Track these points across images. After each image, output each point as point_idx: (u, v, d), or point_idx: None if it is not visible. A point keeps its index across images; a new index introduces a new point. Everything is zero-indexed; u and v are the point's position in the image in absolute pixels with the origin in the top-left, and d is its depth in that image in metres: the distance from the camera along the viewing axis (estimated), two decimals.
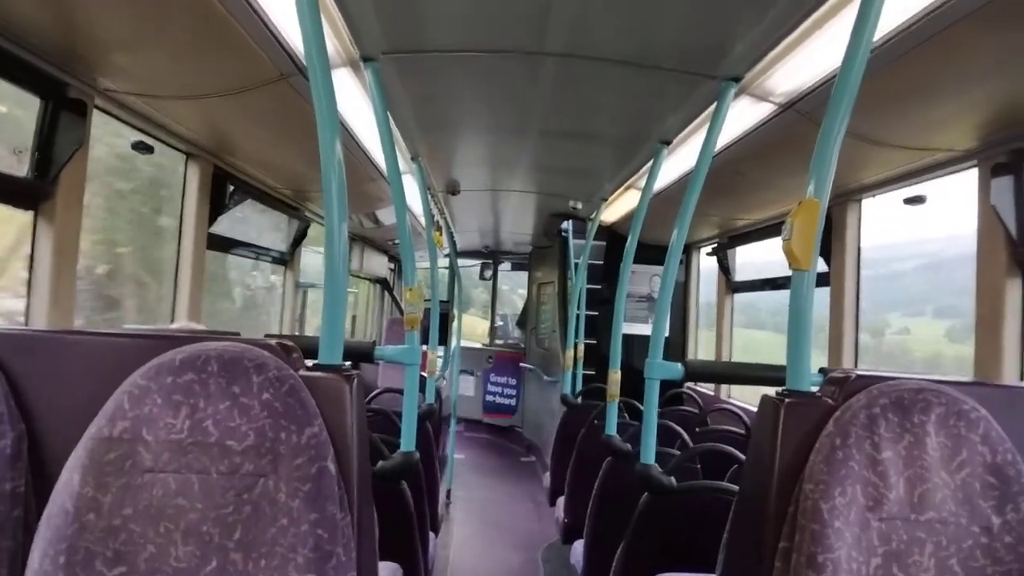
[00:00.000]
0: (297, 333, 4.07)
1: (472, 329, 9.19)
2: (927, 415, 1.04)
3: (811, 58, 1.65)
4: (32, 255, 1.82)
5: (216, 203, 2.68)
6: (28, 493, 1.06)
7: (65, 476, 0.96)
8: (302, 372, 1.09)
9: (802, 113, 1.89)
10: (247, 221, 3.28)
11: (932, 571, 1.00)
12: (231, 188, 2.77)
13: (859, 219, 2.73)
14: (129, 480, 0.97)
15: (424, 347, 3.29)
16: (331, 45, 1.73)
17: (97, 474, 0.96)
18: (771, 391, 1.20)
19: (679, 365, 1.92)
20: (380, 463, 1.88)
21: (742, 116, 2.06)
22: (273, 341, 1.10)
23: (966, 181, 2.09)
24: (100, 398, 1.02)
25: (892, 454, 1.03)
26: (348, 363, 1.24)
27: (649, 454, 1.95)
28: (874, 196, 2.64)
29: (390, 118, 2.03)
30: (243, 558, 0.95)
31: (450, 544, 4.05)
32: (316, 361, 1.18)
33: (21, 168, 1.80)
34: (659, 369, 1.95)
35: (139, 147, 2.31)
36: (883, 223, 2.71)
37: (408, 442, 1.92)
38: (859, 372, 1.12)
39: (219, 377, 1.01)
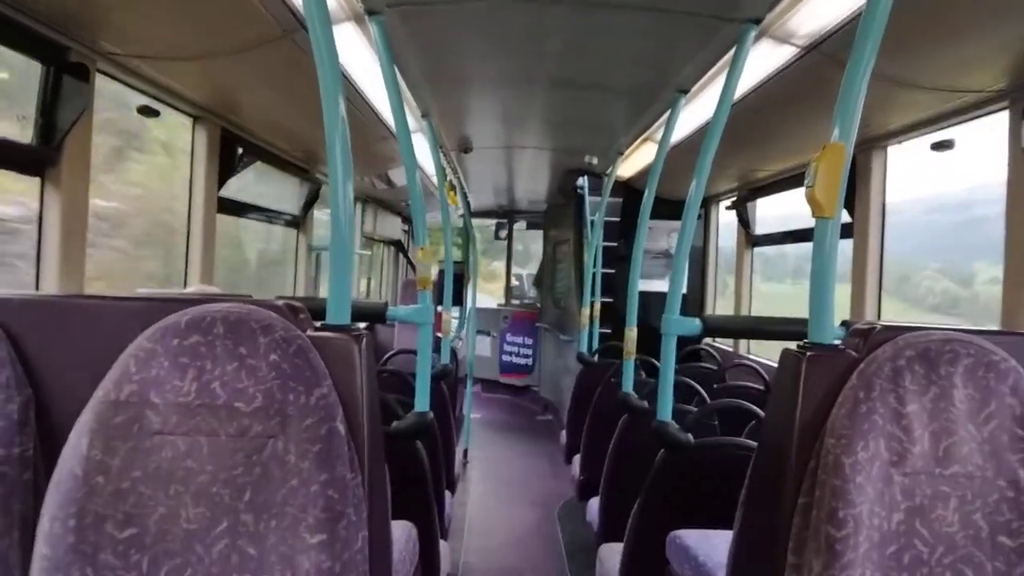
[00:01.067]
0: (312, 295, 4.08)
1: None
2: (955, 366, 1.01)
3: None
4: (40, 222, 1.82)
5: (225, 166, 2.66)
6: (37, 457, 1.06)
7: (73, 440, 0.96)
8: (310, 332, 1.07)
9: (826, 55, 1.81)
10: (257, 183, 3.26)
11: (956, 526, 0.98)
12: (240, 151, 2.74)
13: (884, 167, 2.64)
14: (137, 443, 0.96)
15: (439, 308, 3.29)
16: None
17: (105, 437, 0.96)
18: (792, 345, 1.16)
19: (697, 320, 1.88)
20: (394, 423, 1.89)
21: (763, 61, 1.98)
22: (280, 302, 1.08)
23: None
24: (107, 362, 1.01)
25: (917, 407, 1.00)
26: (362, 324, 1.21)
27: (666, 411, 1.94)
28: (900, 142, 2.54)
29: (398, 74, 1.97)
30: (254, 519, 0.95)
31: (467, 502, 4.11)
32: (324, 322, 1.17)
33: (26, 135, 1.79)
34: (676, 325, 1.91)
35: (145, 111, 2.28)
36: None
37: (422, 402, 1.92)
38: (884, 323, 1.08)
39: (225, 339, 1.00)
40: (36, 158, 1.79)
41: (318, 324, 1.14)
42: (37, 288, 1.81)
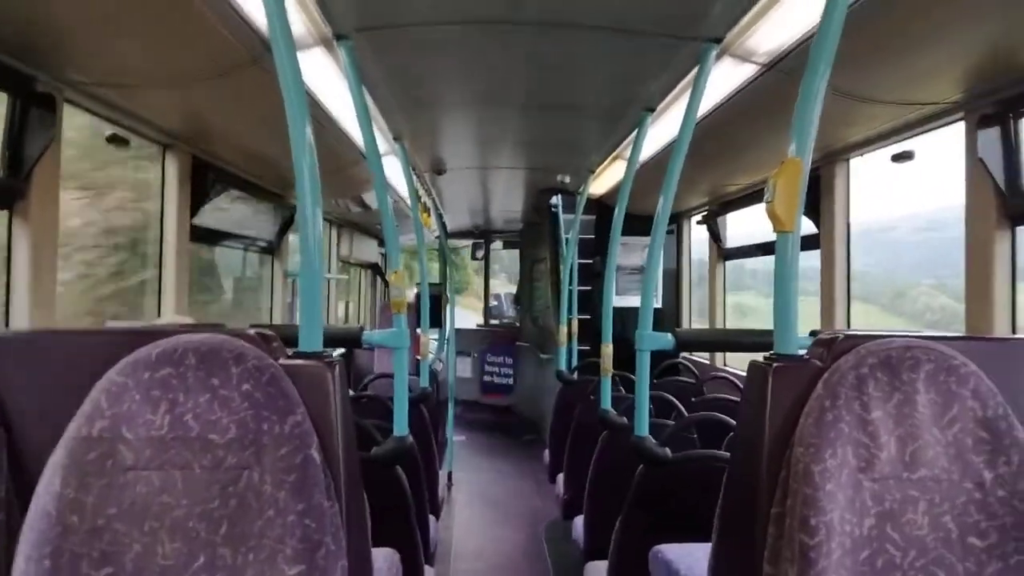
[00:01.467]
0: (288, 322, 4.05)
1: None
2: (916, 372, 1.03)
3: (791, 15, 1.61)
4: (9, 255, 1.79)
5: (198, 194, 2.64)
6: (10, 497, 1.04)
7: (46, 478, 0.95)
8: (282, 361, 1.07)
9: (785, 72, 1.86)
10: (231, 211, 3.24)
11: (926, 529, 0.99)
12: (212, 178, 2.72)
13: (847, 179, 2.71)
14: (111, 479, 0.95)
15: (417, 330, 3.28)
16: (302, 24, 1.69)
17: (78, 475, 0.94)
18: (759, 357, 1.18)
19: (669, 335, 1.90)
20: (373, 449, 1.87)
21: (725, 79, 2.03)
22: (252, 331, 1.08)
23: None
24: (79, 397, 1.00)
25: (882, 413, 1.02)
26: (337, 350, 1.21)
27: (643, 426, 1.95)
28: (861, 155, 2.61)
29: (368, 97, 1.98)
30: (231, 552, 0.94)
31: (452, 526, 4.07)
32: (297, 349, 1.16)
33: None
34: (649, 340, 1.93)
35: (114, 140, 2.26)
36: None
37: (400, 426, 1.91)
38: (847, 332, 1.11)
39: (197, 370, 0.99)
40: (3, 190, 1.76)
41: (291, 352, 1.14)
42: (7, 323, 1.77)
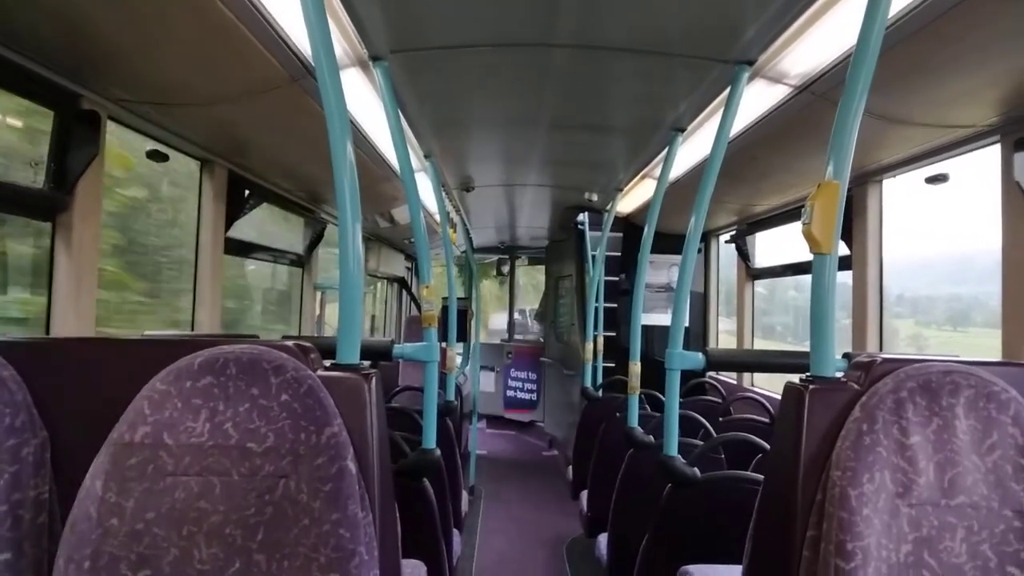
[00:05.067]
0: (316, 334, 4.09)
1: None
2: (956, 398, 1.02)
3: (824, 38, 1.62)
4: (51, 265, 1.85)
5: (233, 208, 2.70)
6: (52, 499, 1.07)
7: (88, 482, 0.97)
8: (320, 372, 1.09)
9: (817, 94, 1.86)
10: (263, 224, 3.30)
11: (964, 556, 0.98)
12: (247, 192, 2.78)
13: (880, 200, 2.68)
14: (151, 485, 0.97)
15: (443, 344, 3.30)
16: (339, 46, 1.73)
17: (119, 479, 0.97)
18: (795, 378, 1.18)
19: (700, 354, 1.90)
20: (401, 461, 1.89)
21: (756, 100, 2.03)
22: (291, 343, 1.11)
23: None
24: (121, 403, 1.03)
25: (921, 438, 1.01)
26: (367, 362, 1.24)
27: (672, 445, 1.94)
28: (895, 176, 2.58)
29: (401, 117, 2.02)
30: (266, 559, 0.96)
31: (474, 540, 4.06)
32: (334, 361, 1.18)
33: (38, 180, 1.83)
34: (679, 359, 1.93)
35: (154, 156, 2.33)
36: None
37: (429, 439, 1.92)
38: (885, 356, 1.10)
39: (238, 380, 1.02)
40: (48, 203, 1.82)
41: (327, 363, 1.16)
42: (48, 331, 1.83)
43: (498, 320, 8.75)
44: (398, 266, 6.19)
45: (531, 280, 9.45)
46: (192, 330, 2.58)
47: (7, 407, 1.06)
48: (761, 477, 1.44)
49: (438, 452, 1.95)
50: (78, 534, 0.95)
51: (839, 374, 1.16)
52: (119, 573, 0.94)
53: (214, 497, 0.98)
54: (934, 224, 2.98)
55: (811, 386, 1.11)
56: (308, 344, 1.13)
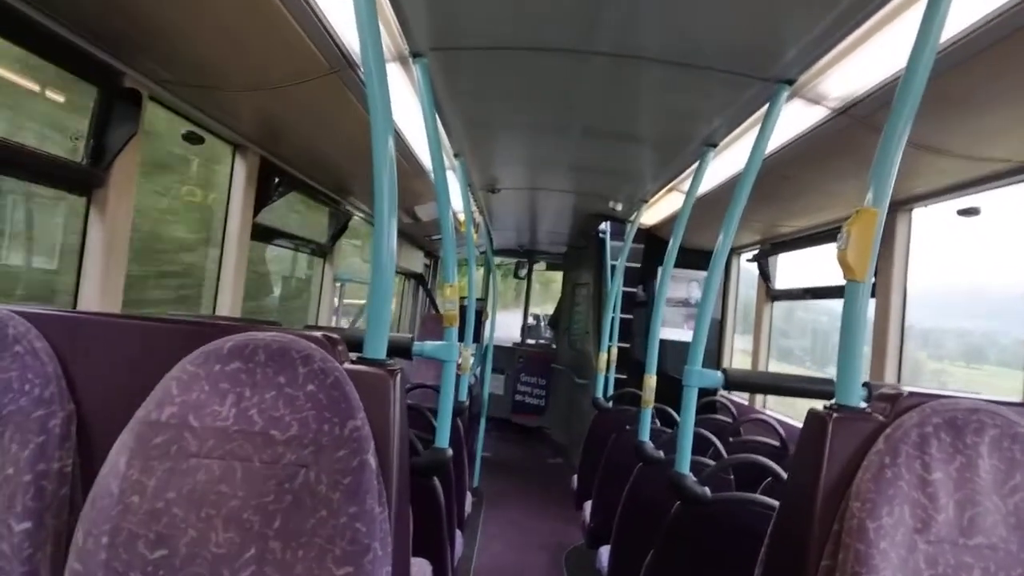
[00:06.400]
0: (334, 326, 4.12)
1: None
2: (980, 436, 1.01)
3: (867, 62, 1.60)
4: (83, 240, 1.87)
5: (262, 195, 2.72)
6: (75, 472, 1.09)
7: (112, 458, 0.99)
8: (346, 365, 1.10)
9: (856, 118, 1.84)
10: (289, 212, 3.33)
11: None
12: (277, 180, 2.81)
13: (909, 229, 2.65)
14: (174, 465, 0.98)
15: (459, 344, 3.31)
16: (382, 40, 1.74)
17: (143, 457, 0.98)
18: (817, 404, 1.17)
19: (719, 373, 1.88)
20: (413, 458, 1.89)
21: (794, 119, 2.02)
22: (319, 333, 1.11)
23: None
24: (147, 382, 1.04)
25: (943, 475, 1.00)
26: (393, 358, 1.24)
27: (684, 463, 1.92)
28: (926, 206, 2.56)
29: (435, 114, 2.03)
30: (282, 547, 0.96)
31: (475, 542, 4.06)
32: (360, 355, 1.19)
33: (77, 155, 1.86)
34: (698, 377, 1.91)
35: (190, 138, 2.36)
36: None
37: (442, 439, 1.93)
38: (911, 390, 1.09)
39: (266, 367, 1.02)
40: (84, 178, 1.85)
41: (354, 357, 1.17)
42: (75, 305, 1.85)
43: (510, 321, 8.73)
44: (416, 263, 6.22)
45: (540, 279, 9.41)
46: (213, 312, 2.61)
47: (38, 378, 1.08)
48: (773, 501, 1.42)
49: (450, 452, 1.95)
50: (99, 509, 0.96)
51: (863, 404, 1.15)
52: (136, 550, 0.95)
53: (235, 482, 0.99)
54: (949, 256, 2.96)
55: (835, 414, 1.10)
56: (336, 336, 1.13)
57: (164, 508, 0.97)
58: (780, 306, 4.10)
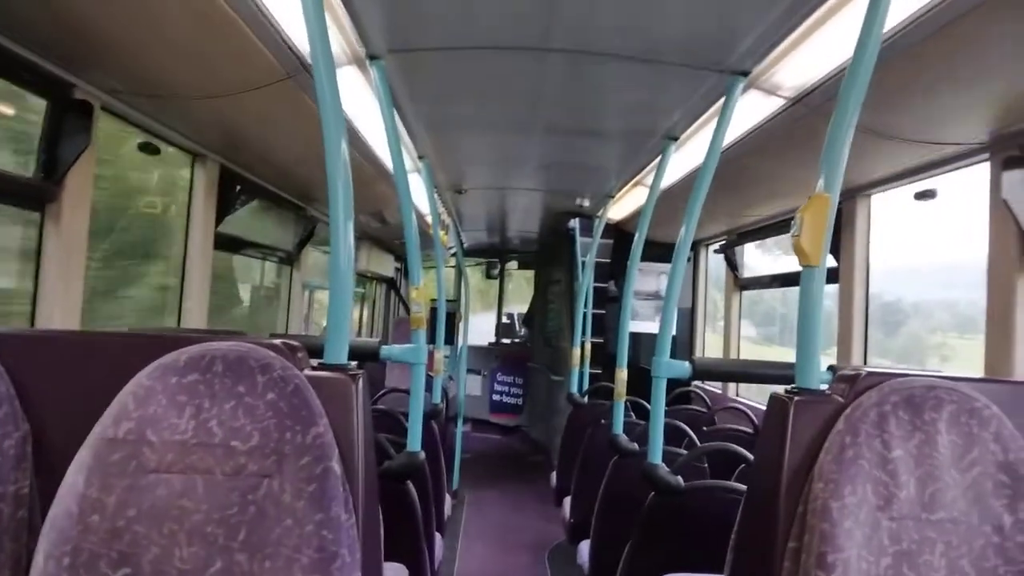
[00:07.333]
0: (304, 333, 4.07)
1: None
2: (938, 413, 1.03)
3: (819, 51, 1.63)
4: (39, 256, 1.82)
5: (223, 203, 2.68)
6: (32, 494, 1.06)
7: (70, 477, 0.96)
8: (307, 372, 1.08)
9: (811, 107, 1.88)
10: (253, 220, 3.28)
11: (943, 571, 0.98)
12: (238, 188, 2.77)
13: (868, 214, 2.71)
14: (133, 481, 0.96)
15: (430, 346, 3.30)
16: (336, 43, 1.72)
17: (102, 475, 0.96)
18: (779, 389, 1.18)
19: (687, 363, 1.90)
20: (386, 463, 1.88)
21: (750, 111, 2.05)
22: (278, 341, 1.10)
23: None
24: (105, 398, 1.01)
25: (903, 452, 1.02)
26: (355, 363, 1.23)
27: (656, 453, 1.94)
28: (884, 191, 2.61)
29: (396, 117, 2.02)
30: (248, 559, 0.95)
31: (456, 544, 4.05)
32: (321, 361, 1.18)
33: (27, 169, 1.81)
34: (666, 367, 1.93)
35: (145, 148, 2.31)
36: None
37: (414, 442, 1.92)
38: (869, 369, 1.11)
39: (224, 377, 1.01)
40: (37, 192, 1.80)
41: (315, 363, 1.15)
42: (32, 323, 1.81)
43: (485, 321, 8.73)
44: (387, 266, 6.18)
45: (515, 279, 9.42)
46: (179, 324, 2.56)
47: None
48: (744, 487, 1.44)
49: (423, 455, 1.95)
50: (58, 530, 0.93)
51: (824, 386, 1.17)
52: (99, 570, 0.93)
53: (197, 495, 0.97)
54: (925, 233, 3.03)
55: (796, 398, 1.11)
56: (296, 343, 1.12)
57: (125, 526, 0.95)
58: (776, 291, 4.15)
